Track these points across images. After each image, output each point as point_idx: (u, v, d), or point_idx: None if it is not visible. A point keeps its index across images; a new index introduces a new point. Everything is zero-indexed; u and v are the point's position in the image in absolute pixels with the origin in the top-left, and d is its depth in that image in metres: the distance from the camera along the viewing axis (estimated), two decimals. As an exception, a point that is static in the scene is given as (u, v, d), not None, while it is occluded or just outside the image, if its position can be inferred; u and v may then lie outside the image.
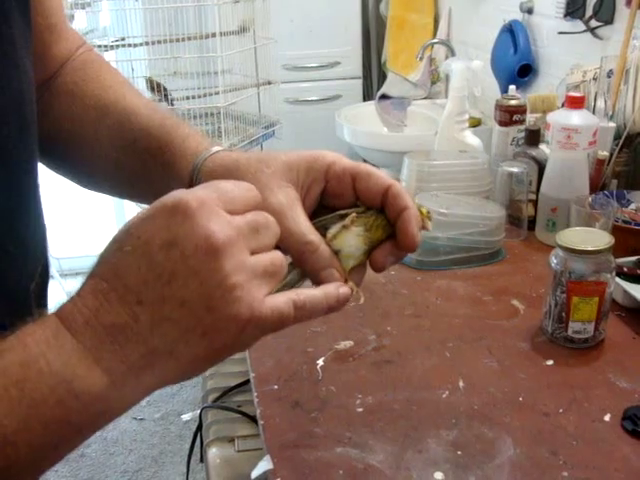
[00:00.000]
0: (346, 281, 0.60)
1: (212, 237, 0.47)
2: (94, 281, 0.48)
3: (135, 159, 0.71)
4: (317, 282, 0.60)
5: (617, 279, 1.13)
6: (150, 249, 0.47)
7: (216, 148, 0.67)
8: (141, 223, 0.48)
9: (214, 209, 0.48)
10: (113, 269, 0.47)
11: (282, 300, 0.52)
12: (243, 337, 0.49)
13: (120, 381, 0.47)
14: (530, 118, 1.65)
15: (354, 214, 0.62)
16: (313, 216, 0.62)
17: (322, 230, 0.61)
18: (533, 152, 1.50)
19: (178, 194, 0.49)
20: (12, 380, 0.45)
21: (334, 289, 0.57)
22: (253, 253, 0.50)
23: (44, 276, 0.70)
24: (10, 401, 0.44)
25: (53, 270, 3.39)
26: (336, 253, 0.61)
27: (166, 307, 0.47)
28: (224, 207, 0.49)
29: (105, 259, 0.48)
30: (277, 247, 0.60)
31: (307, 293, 0.54)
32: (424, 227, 0.64)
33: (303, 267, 0.59)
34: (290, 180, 0.61)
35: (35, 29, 0.69)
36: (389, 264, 0.63)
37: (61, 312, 0.47)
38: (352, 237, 0.61)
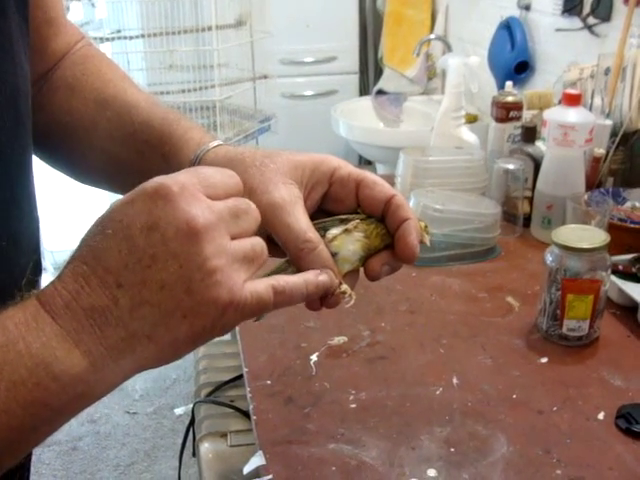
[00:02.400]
0: (340, 284, 0.60)
1: (193, 221, 0.47)
2: (74, 264, 0.48)
3: (134, 151, 0.71)
4: None
5: (612, 277, 1.13)
6: (131, 232, 0.47)
7: (218, 142, 0.67)
8: (123, 207, 0.49)
9: (195, 194, 0.49)
10: (93, 252, 0.48)
11: (262, 285, 0.52)
12: (223, 321, 0.49)
13: (99, 363, 0.47)
14: (527, 115, 1.64)
15: (358, 220, 0.62)
16: (311, 219, 0.62)
17: (321, 232, 0.61)
18: (529, 149, 1.49)
19: (159, 179, 0.49)
20: None
21: (313, 276, 0.57)
22: (234, 238, 0.50)
23: (36, 272, 0.70)
24: None
25: (47, 263, 3.38)
26: (333, 255, 0.60)
27: (146, 290, 0.47)
28: (205, 192, 0.50)
29: (86, 242, 0.48)
30: (274, 243, 0.60)
31: (286, 279, 0.54)
32: (421, 241, 0.65)
33: (299, 265, 0.59)
34: (294, 178, 0.61)
35: (34, 23, 0.68)
36: (384, 274, 0.63)
37: (41, 295, 0.47)
38: (351, 241, 0.61)
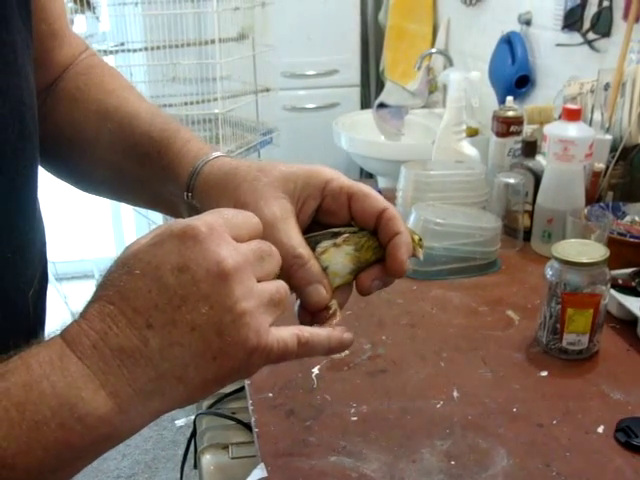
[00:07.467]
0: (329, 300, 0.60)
1: (223, 262, 0.47)
2: (100, 304, 0.47)
3: (135, 163, 0.71)
4: (302, 297, 0.60)
5: (612, 291, 1.13)
6: (161, 273, 0.47)
7: (216, 153, 0.67)
8: (150, 249, 0.48)
9: (223, 235, 0.49)
10: (120, 292, 0.47)
11: (287, 333, 0.52)
12: (249, 363, 0.50)
13: (126, 405, 0.46)
14: (527, 129, 1.65)
15: (347, 234, 0.62)
16: (306, 232, 0.62)
17: (313, 245, 0.61)
18: (530, 163, 1.50)
19: (185, 220, 0.49)
20: (13, 402, 0.44)
21: (339, 332, 0.57)
22: (259, 280, 0.51)
23: (43, 283, 0.70)
24: (10, 423, 0.43)
25: (49, 274, 3.38)
26: (323, 270, 0.60)
27: (176, 331, 0.47)
28: (230, 233, 0.50)
29: (111, 282, 0.48)
30: None
31: (311, 331, 0.55)
32: (415, 254, 0.64)
33: (290, 281, 0.58)
34: (286, 192, 0.61)
35: (38, 35, 0.69)
36: (375, 288, 0.63)
37: (66, 335, 0.47)
38: (341, 255, 0.61)
